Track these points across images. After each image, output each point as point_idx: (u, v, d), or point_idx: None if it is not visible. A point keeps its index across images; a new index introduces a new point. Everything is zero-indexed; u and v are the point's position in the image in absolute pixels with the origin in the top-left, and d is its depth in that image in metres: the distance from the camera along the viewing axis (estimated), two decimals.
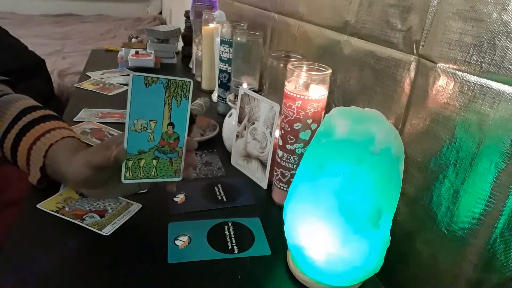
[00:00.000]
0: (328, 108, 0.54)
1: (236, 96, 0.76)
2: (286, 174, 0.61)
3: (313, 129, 0.57)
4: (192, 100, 0.88)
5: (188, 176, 0.52)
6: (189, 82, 0.48)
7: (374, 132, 0.41)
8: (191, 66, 1.41)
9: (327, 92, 0.57)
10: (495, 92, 0.38)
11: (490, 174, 0.39)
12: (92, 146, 0.57)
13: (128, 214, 0.58)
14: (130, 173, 0.48)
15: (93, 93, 1.10)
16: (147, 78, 0.45)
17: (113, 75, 1.26)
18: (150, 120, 0.47)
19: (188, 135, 0.81)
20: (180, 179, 0.52)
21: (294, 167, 0.60)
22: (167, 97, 0.47)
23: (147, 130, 0.47)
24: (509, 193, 0.37)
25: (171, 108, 0.48)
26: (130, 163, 0.47)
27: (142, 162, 0.48)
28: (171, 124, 0.49)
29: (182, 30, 1.54)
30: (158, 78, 0.46)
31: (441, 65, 0.45)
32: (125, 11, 3.89)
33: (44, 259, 0.49)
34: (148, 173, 0.49)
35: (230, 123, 0.77)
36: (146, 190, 0.62)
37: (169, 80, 0.47)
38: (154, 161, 0.49)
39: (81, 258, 0.50)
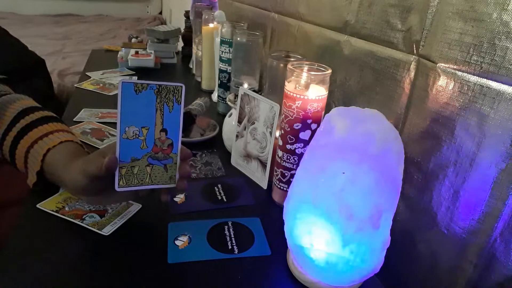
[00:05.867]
0: (328, 108, 0.54)
1: (236, 96, 0.76)
2: (286, 174, 0.61)
3: (313, 129, 0.57)
4: (192, 100, 0.89)
5: (181, 187, 0.51)
6: (181, 87, 0.47)
7: (374, 132, 0.41)
8: (191, 66, 1.41)
9: (327, 92, 0.57)
10: (495, 92, 0.38)
11: (490, 174, 0.39)
12: (91, 148, 0.57)
13: (128, 214, 0.58)
14: (124, 181, 0.48)
15: (93, 93, 1.10)
16: (137, 85, 0.45)
17: (113, 75, 1.26)
18: (142, 127, 0.47)
19: (188, 135, 0.80)
20: (174, 185, 0.51)
21: (294, 167, 0.60)
22: (158, 103, 0.46)
23: (139, 137, 0.47)
24: (509, 193, 0.37)
25: (163, 114, 0.47)
26: (123, 171, 0.47)
27: (135, 170, 0.48)
28: (164, 130, 0.48)
29: (182, 30, 1.54)
30: (148, 84, 0.45)
31: (441, 65, 0.45)
32: (125, 11, 3.89)
33: (44, 259, 0.49)
34: (142, 180, 0.49)
35: (230, 123, 0.77)
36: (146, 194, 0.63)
37: (159, 85, 0.46)
38: (148, 168, 0.49)
39: (81, 258, 0.50)
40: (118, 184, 0.47)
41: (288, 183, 0.61)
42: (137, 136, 0.47)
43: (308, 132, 0.57)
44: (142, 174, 0.49)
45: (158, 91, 0.46)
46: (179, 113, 0.48)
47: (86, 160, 0.50)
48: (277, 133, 0.63)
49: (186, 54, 1.53)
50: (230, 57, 0.94)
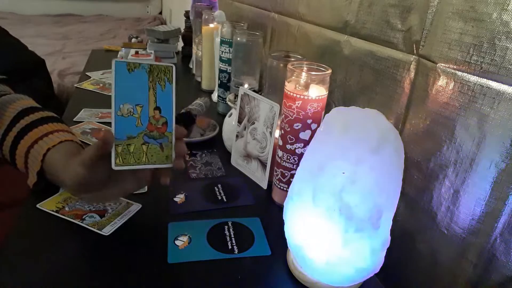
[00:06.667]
0: (328, 108, 0.54)
1: (236, 96, 0.76)
2: (286, 174, 0.61)
3: (313, 129, 0.57)
4: (192, 100, 0.89)
5: (179, 166, 0.51)
6: (171, 66, 0.49)
7: (374, 132, 0.41)
8: (191, 66, 1.41)
9: (327, 92, 0.57)
10: (495, 92, 0.38)
11: (490, 174, 0.39)
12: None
13: (128, 214, 0.58)
14: (120, 159, 0.48)
15: (93, 93, 1.10)
16: (129, 64, 0.47)
17: None
18: (136, 105, 0.48)
19: (188, 135, 0.80)
20: (171, 165, 0.51)
21: (294, 167, 0.60)
22: (150, 82, 0.48)
23: (134, 115, 0.48)
24: (509, 193, 0.37)
25: (156, 93, 0.49)
26: (119, 149, 0.47)
27: (131, 148, 0.48)
28: (157, 108, 0.49)
29: (182, 30, 1.54)
30: (140, 64, 0.47)
31: (441, 65, 0.45)
32: (125, 11, 3.89)
33: (44, 259, 0.49)
34: (139, 159, 0.49)
35: (230, 123, 0.77)
36: (145, 190, 0.62)
37: (151, 65, 0.48)
38: (144, 147, 0.49)
39: (81, 258, 0.50)
40: (115, 162, 0.47)
41: (288, 183, 0.61)
42: (131, 113, 0.48)
43: (308, 132, 0.57)
44: (138, 153, 0.49)
45: (150, 70, 0.48)
46: (171, 92, 0.50)
47: (82, 152, 0.50)
48: (277, 133, 0.63)
49: (186, 54, 1.53)
50: (230, 57, 0.94)
